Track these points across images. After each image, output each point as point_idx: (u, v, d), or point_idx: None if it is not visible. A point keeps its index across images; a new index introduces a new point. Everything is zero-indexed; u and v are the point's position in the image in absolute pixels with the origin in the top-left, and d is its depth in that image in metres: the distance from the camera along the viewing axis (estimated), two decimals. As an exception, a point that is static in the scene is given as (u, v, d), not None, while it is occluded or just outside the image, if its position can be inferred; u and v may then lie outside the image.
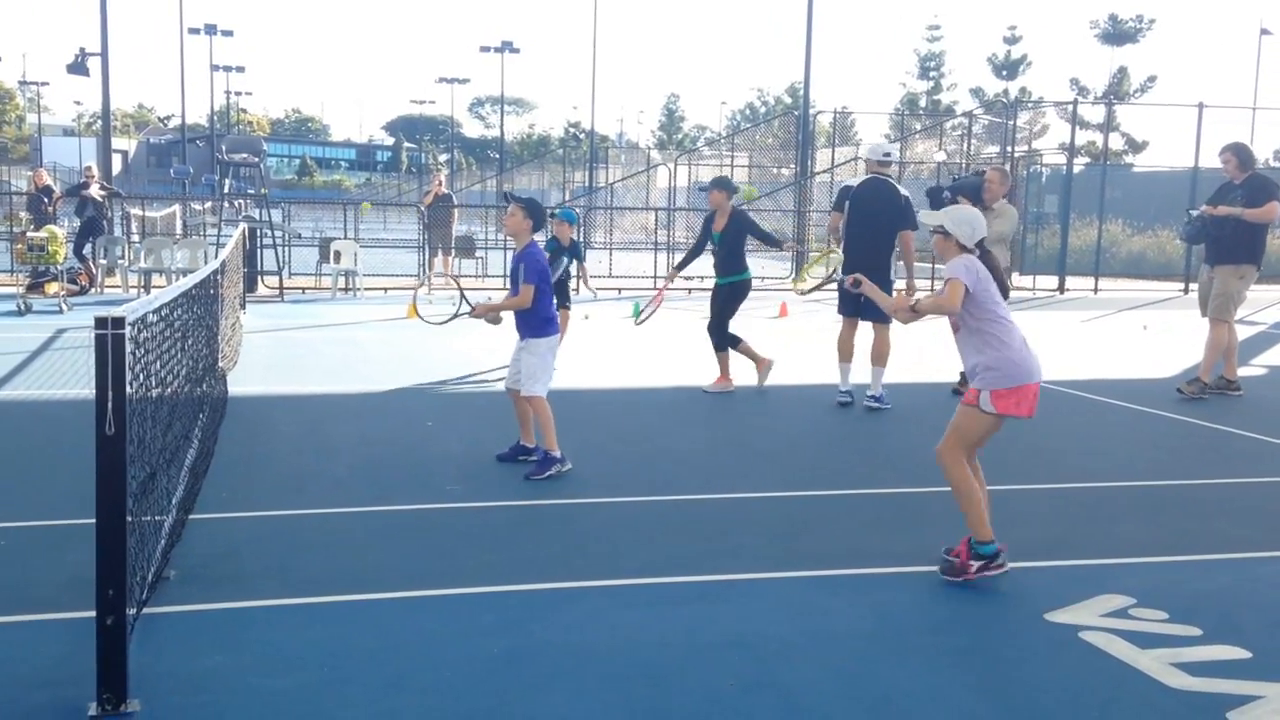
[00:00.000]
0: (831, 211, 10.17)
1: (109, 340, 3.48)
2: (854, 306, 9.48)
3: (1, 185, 44.88)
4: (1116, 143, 50.40)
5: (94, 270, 18.24)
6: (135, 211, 22.50)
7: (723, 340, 10.22)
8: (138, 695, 3.64)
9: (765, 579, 5.13)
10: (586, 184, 44.79)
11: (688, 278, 22.78)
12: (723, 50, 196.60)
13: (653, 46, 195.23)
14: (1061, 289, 23.85)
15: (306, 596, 4.73)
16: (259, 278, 18.81)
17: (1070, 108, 29.19)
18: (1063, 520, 6.27)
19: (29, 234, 16.48)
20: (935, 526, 5.79)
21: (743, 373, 10.32)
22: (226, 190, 20.88)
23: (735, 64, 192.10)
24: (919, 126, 40.61)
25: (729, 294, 10.26)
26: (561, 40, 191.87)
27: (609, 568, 5.22)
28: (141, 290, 17.49)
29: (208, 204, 23.73)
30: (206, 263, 9.49)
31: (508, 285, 7.91)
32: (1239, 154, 10.12)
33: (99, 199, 18.78)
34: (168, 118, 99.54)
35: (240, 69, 67.75)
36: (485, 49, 60.46)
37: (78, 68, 27.38)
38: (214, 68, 60.68)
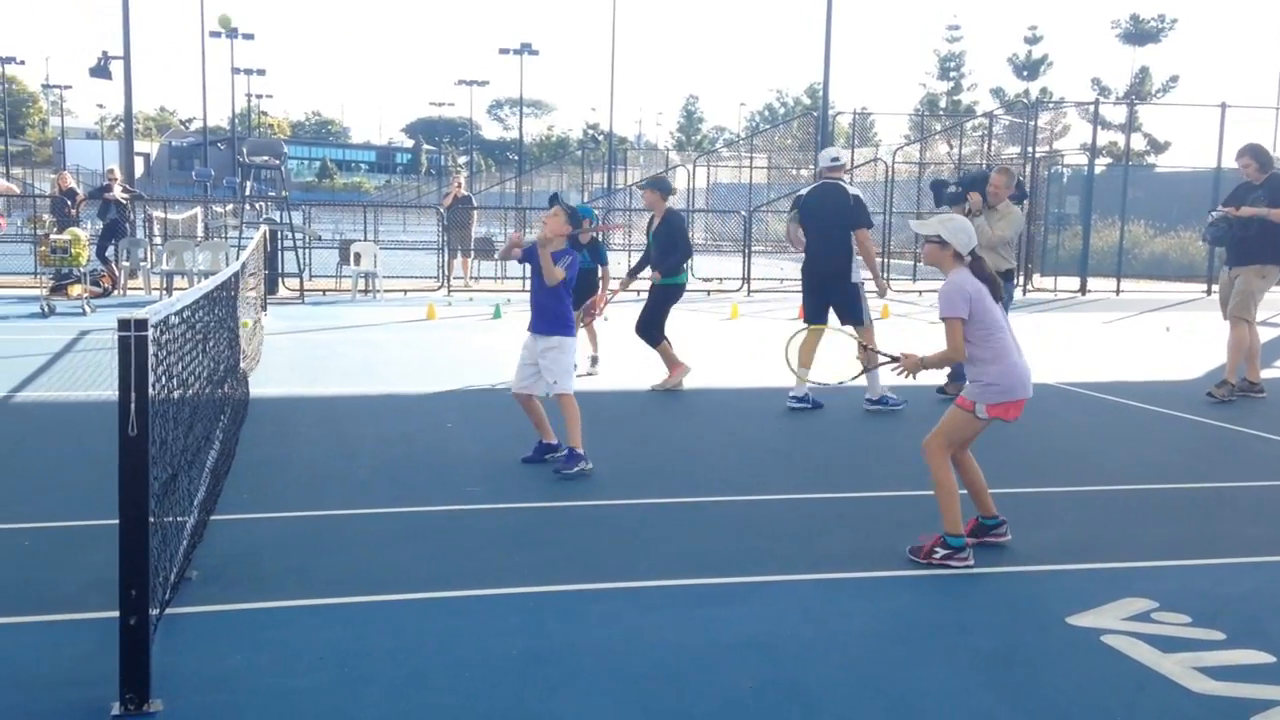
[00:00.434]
0: (788, 223, 10.15)
1: (132, 342, 3.51)
2: (824, 314, 9.47)
3: (25, 188, 45.29)
4: (1138, 143, 50.15)
5: (116, 272, 18.37)
6: (157, 214, 22.65)
7: (654, 337, 10.26)
8: (160, 695, 3.67)
9: (783, 581, 5.13)
10: (605, 185, 44.80)
11: (706, 279, 22.88)
12: (742, 51, 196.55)
13: (672, 48, 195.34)
14: (1083, 290, 23.73)
15: (326, 597, 4.75)
16: (280, 280, 18.90)
17: (1092, 108, 29.05)
18: (1085, 523, 6.23)
19: (52, 236, 16.61)
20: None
21: (751, 373, 10.31)
22: (248, 193, 20.99)
23: (754, 65, 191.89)
24: (939, 127, 40.49)
25: (663, 295, 10.27)
26: (580, 42, 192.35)
27: (627, 569, 5.23)
28: (163, 292, 17.60)
29: (229, 206, 23.88)
30: (228, 265, 9.54)
31: (527, 288, 7.91)
32: (1257, 156, 10.11)
33: (121, 202, 18.91)
34: (189, 120, 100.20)
35: (261, 72, 67.99)
36: (504, 51, 60.64)
37: (100, 71, 27.62)
38: (235, 71, 61.01)
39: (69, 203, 19.79)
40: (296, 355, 12.00)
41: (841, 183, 9.53)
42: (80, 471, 6.70)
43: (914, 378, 5.57)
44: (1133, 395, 10.48)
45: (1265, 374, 10.69)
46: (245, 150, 21.21)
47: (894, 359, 5.50)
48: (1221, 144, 23.61)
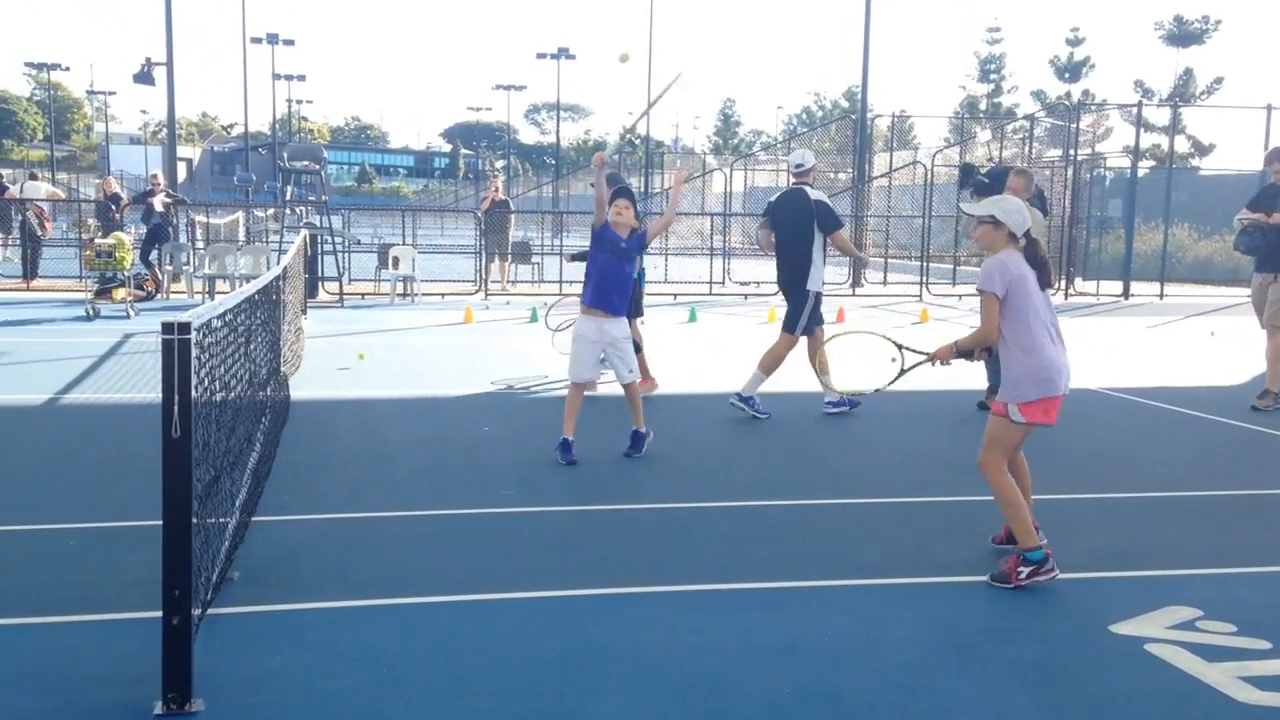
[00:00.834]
0: (759, 229, 10.05)
1: (175, 345, 3.54)
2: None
3: (71, 193, 45.95)
4: (1182, 145, 49.52)
5: (160, 276, 18.60)
6: (199, 218, 22.91)
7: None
8: (202, 695, 3.70)
9: (822, 586, 5.10)
10: (642, 189, 44.85)
11: (743, 283, 22.85)
12: (779, 54, 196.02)
13: (708, 52, 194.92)
14: (1126, 294, 23.46)
15: (366, 599, 4.78)
16: (320, 284, 19.06)
17: (1134, 110, 28.72)
18: (1128, 530, 6.16)
19: (97, 241, 16.85)
20: (991, 535, 5.70)
21: (787, 377, 10.27)
22: (288, 197, 21.15)
23: (792, 68, 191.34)
24: (979, 130, 40.18)
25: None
26: (617, 46, 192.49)
27: (665, 573, 5.22)
28: (206, 296, 17.80)
29: (270, 211, 24.09)
30: (269, 269, 9.63)
31: (576, 288, 7.96)
32: None
33: (165, 206, 19.14)
34: (231, 126, 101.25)
35: (301, 78, 68.68)
36: (541, 56, 60.97)
37: (144, 77, 27.98)
38: (276, 77, 61.72)
39: (113, 207, 20.07)
40: (336, 358, 12.09)
41: (806, 188, 9.43)
42: (124, 473, 6.78)
43: (947, 365, 5.34)
44: (1176, 400, 10.34)
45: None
46: (286, 155, 21.35)
47: (927, 357, 5.40)
48: (1267, 146, 23.32)
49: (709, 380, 11.14)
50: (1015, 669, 4.22)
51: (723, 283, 22.85)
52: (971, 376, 9.35)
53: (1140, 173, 26.23)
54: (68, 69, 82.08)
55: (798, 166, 9.64)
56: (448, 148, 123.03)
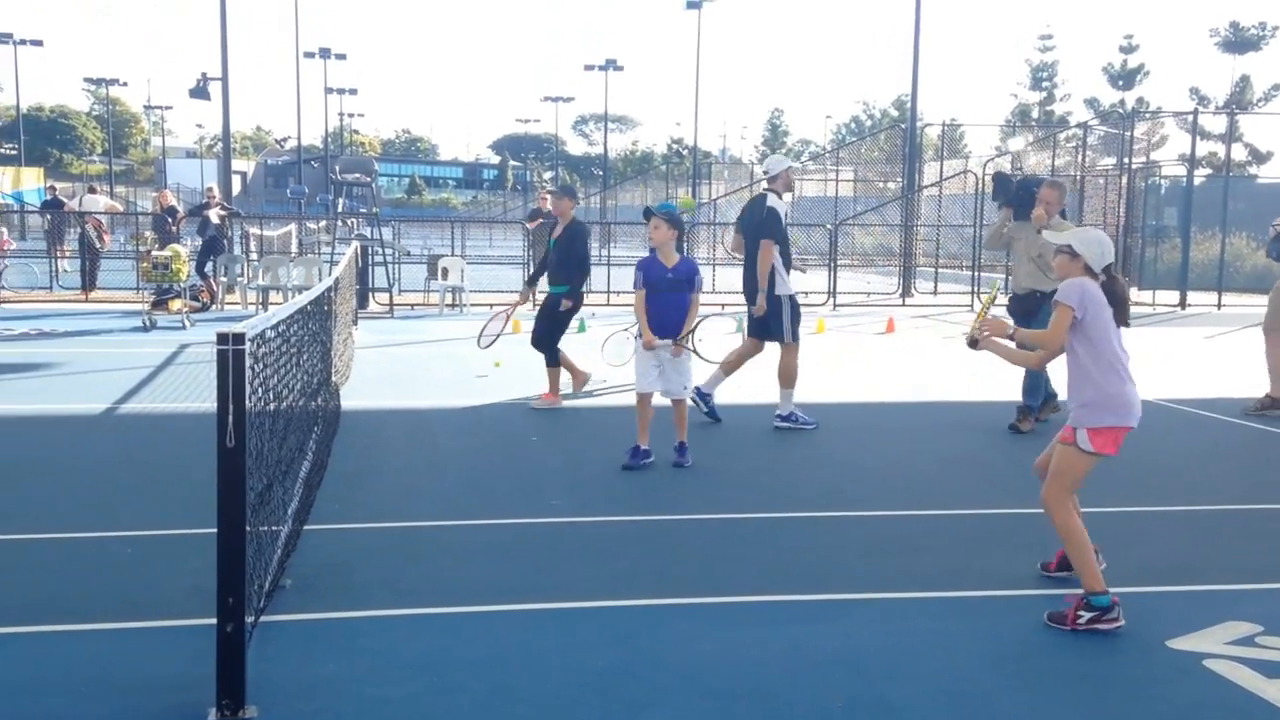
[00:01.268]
0: (734, 234, 9.95)
1: (230, 356, 3.59)
2: (760, 329, 9.27)
3: (128, 206, 46.83)
4: (1239, 153, 48.67)
5: (215, 287, 18.87)
6: (254, 230, 23.21)
7: (553, 354, 10.12)
8: (255, 702, 3.74)
9: (872, 599, 5.06)
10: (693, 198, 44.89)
11: (806, 292, 22.70)
12: (827, 63, 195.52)
13: (756, 61, 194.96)
14: (1183, 304, 23.08)
15: (415, 607, 4.81)
16: (370, 294, 19.25)
17: (1190, 118, 28.28)
18: (1185, 543, 6.05)
19: (154, 253, 17.13)
20: (1046, 549, 5.61)
21: (835, 389, 10.20)
22: (340, 209, 21.40)
23: (840, 77, 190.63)
24: (1031, 138, 39.76)
25: (554, 305, 10.14)
26: (665, 57, 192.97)
27: (713, 584, 5.20)
28: (259, 307, 18.03)
29: (322, 223, 24.39)
30: (321, 280, 9.75)
31: (628, 290, 7.98)
32: None
33: (220, 219, 19.44)
34: (284, 139, 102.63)
35: (353, 91, 69.68)
36: (589, 67, 61.21)
37: (199, 92, 28.49)
38: (328, 90, 62.57)
39: (170, 220, 20.40)
40: (386, 368, 12.19)
41: (768, 194, 9.36)
42: (180, 481, 6.88)
43: (979, 342, 5.05)
44: (1234, 412, 10.15)
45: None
46: (338, 168, 21.61)
47: (981, 324, 5.07)
48: (1328, 153, 22.82)
49: (755, 391, 11.09)
50: (1069, 683, 4.16)
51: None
52: (1008, 388, 9.23)
53: (1196, 181, 25.83)
54: (126, 85, 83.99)
55: (766, 171, 9.63)
56: (496, 159, 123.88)
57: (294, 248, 24.23)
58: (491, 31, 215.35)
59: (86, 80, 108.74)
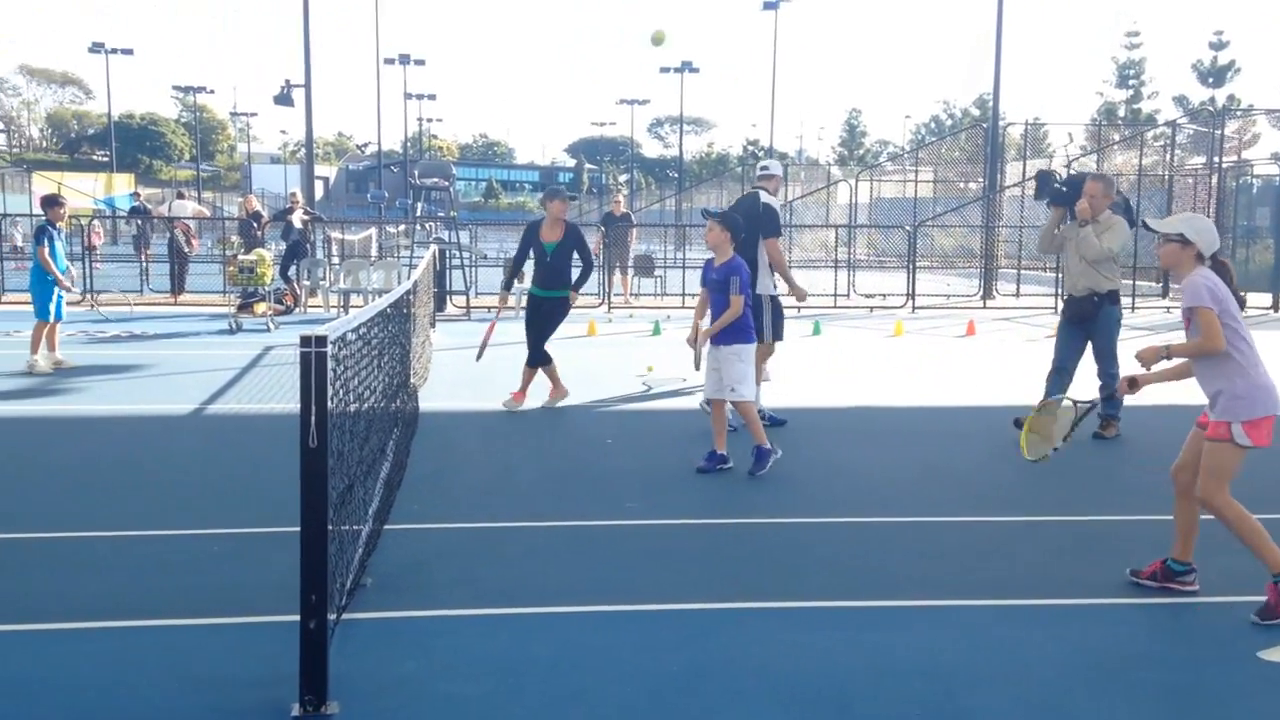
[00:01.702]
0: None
1: (312, 358, 3.66)
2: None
3: (215, 211, 47.98)
4: (1336, 150, 47.07)
5: (298, 291, 19.25)
6: (335, 235, 23.62)
7: (538, 357, 9.94)
8: (336, 697, 3.81)
9: (951, 606, 4.99)
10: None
11: (869, 295, 22.53)
12: (906, 62, 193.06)
13: (833, 61, 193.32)
14: (1275, 306, 22.40)
15: (492, 607, 4.86)
16: (448, 297, 19.47)
17: (1283, 114, 27.43)
18: (1277, 553, 5.86)
19: (240, 257, 17.54)
20: (1131, 557, 5.49)
21: (915, 392, 10.07)
22: (418, 213, 21.70)
23: (920, 76, 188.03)
24: (1117, 137, 38.91)
25: (554, 309, 9.99)
26: (741, 58, 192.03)
27: (788, 588, 5.17)
28: (341, 310, 18.33)
29: (401, 227, 24.75)
30: (400, 283, 9.86)
31: (697, 293, 8.02)
32: None
33: (303, 223, 19.82)
34: (365, 145, 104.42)
35: (432, 97, 70.31)
36: (665, 70, 61.16)
37: (283, 99, 29.11)
38: (408, 96, 63.42)
39: (255, 224, 20.87)
40: (463, 371, 12.32)
41: (761, 192, 9.24)
42: (265, 480, 7.04)
43: (1136, 388, 5.04)
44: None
45: None
46: (417, 173, 22.01)
47: (1123, 379, 5.12)
48: None
49: (833, 394, 11.02)
50: (1156, 694, 4.07)
51: (848, 295, 22.58)
52: (1087, 393, 9.01)
53: (1290, 179, 25.03)
54: (212, 92, 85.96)
55: (762, 170, 9.58)
56: (572, 163, 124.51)
57: (374, 251, 24.59)
58: (567, 35, 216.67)
59: (175, 88, 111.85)
